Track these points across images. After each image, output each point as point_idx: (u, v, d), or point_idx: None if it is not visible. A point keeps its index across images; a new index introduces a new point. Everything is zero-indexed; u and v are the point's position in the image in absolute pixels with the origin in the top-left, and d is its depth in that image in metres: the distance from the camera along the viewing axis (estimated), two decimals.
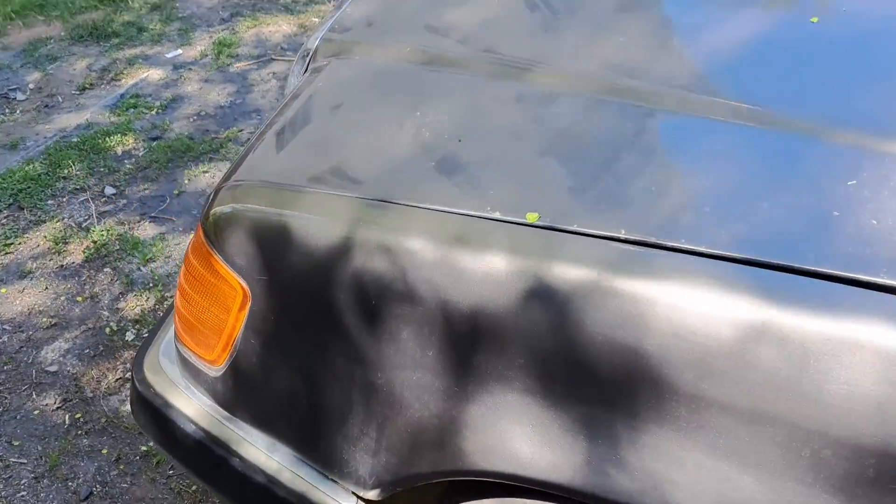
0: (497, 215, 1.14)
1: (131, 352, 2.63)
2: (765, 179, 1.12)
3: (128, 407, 2.48)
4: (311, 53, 1.66)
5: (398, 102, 1.41)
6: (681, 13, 1.54)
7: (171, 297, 2.80)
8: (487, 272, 1.09)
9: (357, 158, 1.30)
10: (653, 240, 1.05)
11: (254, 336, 1.30)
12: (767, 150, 1.17)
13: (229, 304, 1.31)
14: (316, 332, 1.25)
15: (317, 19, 4.35)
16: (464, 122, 1.33)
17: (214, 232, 1.31)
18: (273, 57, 4.06)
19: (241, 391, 1.39)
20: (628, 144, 1.22)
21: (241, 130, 3.55)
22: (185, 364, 1.48)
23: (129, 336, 2.67)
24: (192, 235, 3.07)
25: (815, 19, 1.41)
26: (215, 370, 1.40)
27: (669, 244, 1.04)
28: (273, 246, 1.25)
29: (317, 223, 1.21)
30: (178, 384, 1.51)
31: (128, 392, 2.53)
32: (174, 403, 1.49)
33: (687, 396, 0.99)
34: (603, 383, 1.04)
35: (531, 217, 1.12)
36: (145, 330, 2.70)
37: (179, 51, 4.13)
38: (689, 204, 1.10)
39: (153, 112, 3.70)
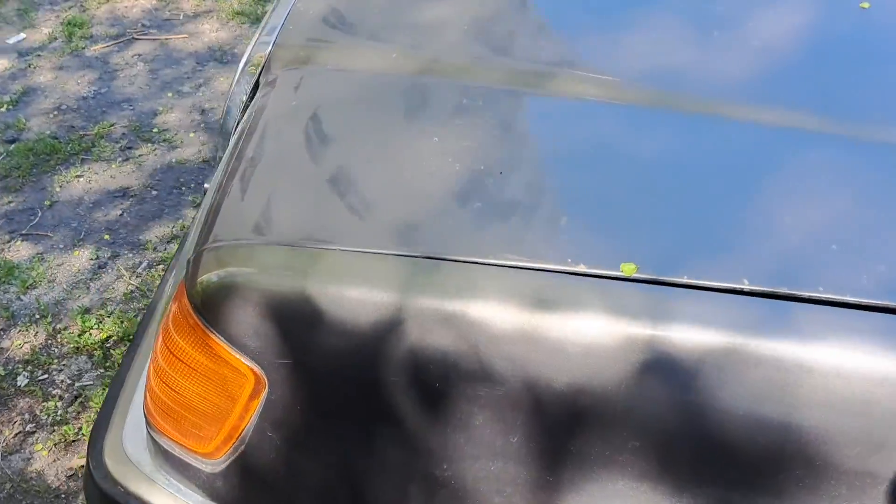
0: (582, 268, 0.95)
1: (27, 399, 2.29)
2: (884, 205, 0.98)
3: (36, 465, 2.16)
4: (262, 63, 1.39)
5: (404, 125, 1.18)
6: (715, 5, 1.36)
7: (64, 329, 2.45)
8: (584, 342, 0.91)
9: (377, 202, 1.07)
10: (785, 290, 0.90)
11: (273, 428, 1.07)
12: (870, 166, 1.04)
13: (235, 392, 1.07)
14: (359, 422, 1.03)
15: None
16: (496, 148, 1.12)
17: (206, 305, 1.05)
18: (135, 36, 3.63)
19: (253, 488, 1.15)
20: (707, 166, 1.06)
21: (114, 125, 3.15)
22: (167, 456, 1.22)
23: (22, 381, 2.33)
24: (77, 253, 2.70)
25: (865, 5, 1.28)
26: (212, 464, 1.16)
27: (806, 294, 0.89)
28: (295, 322, 1.01)
29: (353, 292, 0.98)
30: (154, 479, 1.25)
31: (31, 448, 2.21)
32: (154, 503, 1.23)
33: (849, 474, 0.86)
34: (742, 463, 0.90)
35: (627, 269, 0.94)
36: (40, 371, 2.36)
37: (23, 35, 3.63)
38: (811, 241, 0.95)
39: (3, 109, 3.24)
